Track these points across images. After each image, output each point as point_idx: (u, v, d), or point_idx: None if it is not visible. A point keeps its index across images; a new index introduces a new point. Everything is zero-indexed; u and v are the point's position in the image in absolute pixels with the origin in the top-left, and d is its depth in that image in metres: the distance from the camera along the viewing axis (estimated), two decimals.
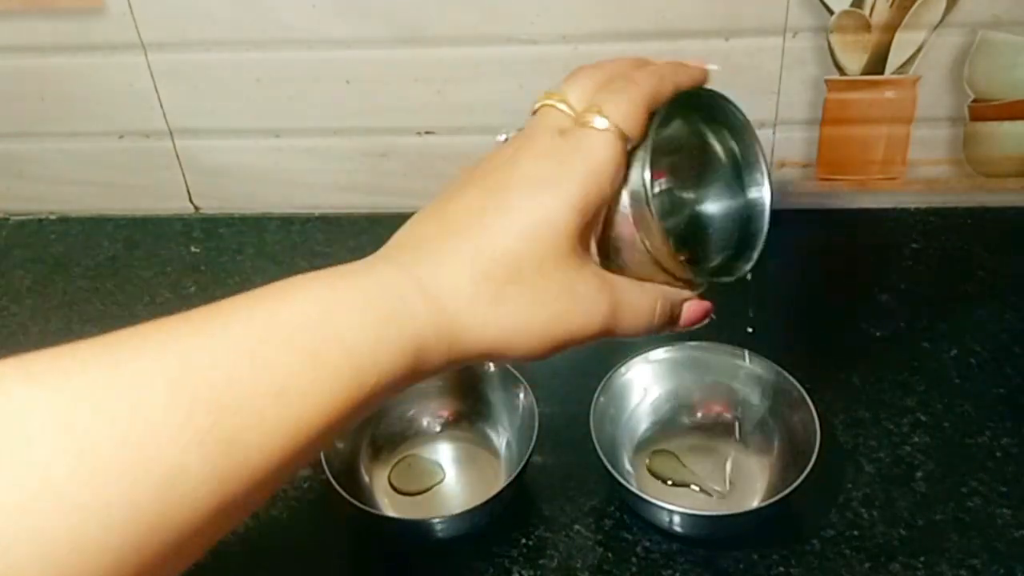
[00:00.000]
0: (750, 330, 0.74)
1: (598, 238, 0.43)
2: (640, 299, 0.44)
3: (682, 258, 0.44)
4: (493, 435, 0.69)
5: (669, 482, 0.65)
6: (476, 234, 0.40)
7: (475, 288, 0.39)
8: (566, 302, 0.41)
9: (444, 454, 0.69)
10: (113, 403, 0.30)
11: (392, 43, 0.81)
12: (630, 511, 0.65)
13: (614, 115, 0.42)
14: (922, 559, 0.60)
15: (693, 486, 0.66)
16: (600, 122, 0.42)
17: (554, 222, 0.40)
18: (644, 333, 0.45)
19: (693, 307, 0.47)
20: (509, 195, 0.41)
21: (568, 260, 0.41)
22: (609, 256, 0.44)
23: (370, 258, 0.41)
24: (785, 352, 0.74)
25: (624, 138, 0.42)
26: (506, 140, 0.45)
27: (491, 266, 0.39)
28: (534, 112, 0.45)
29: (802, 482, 0.60)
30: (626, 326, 0.43)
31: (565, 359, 0.79)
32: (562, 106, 0.44)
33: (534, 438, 0.63)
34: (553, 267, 0.40)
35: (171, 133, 0.88)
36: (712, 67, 0.47)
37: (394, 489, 0.67)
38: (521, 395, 0.67)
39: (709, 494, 0.65)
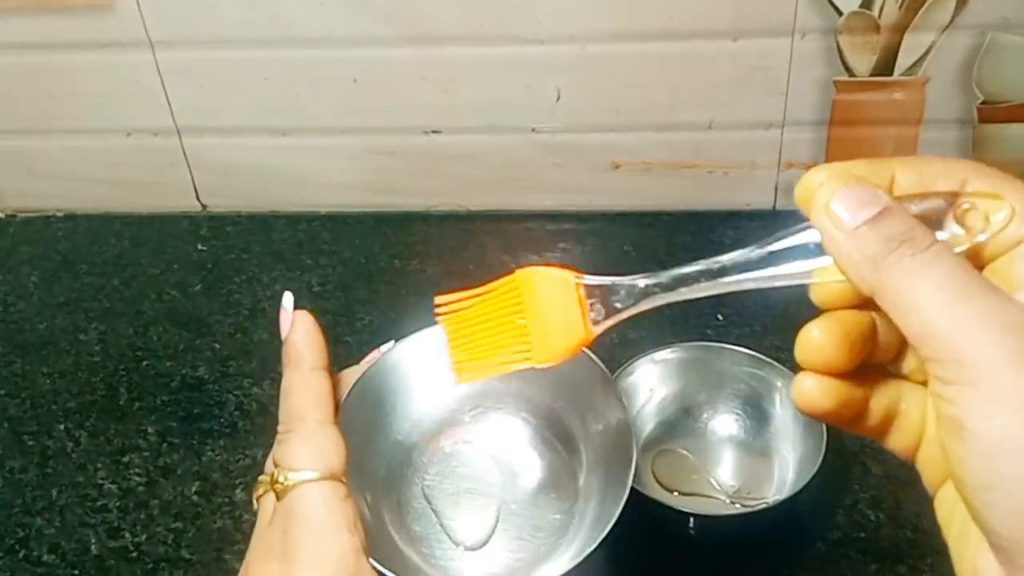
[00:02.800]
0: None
1: None
2: None
3: None
4: None
5: (676, 493, 0.65)
6: None
7: None
8: None
9: None
10: None
11: (399, 42, 0.81)
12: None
13: (295, 459, 0.38)
14: (929, 561, 0.60)
15: (699, 488, 0.65)
16: (292, 476, 0.38)
17: None
18: None
19: None
20: None
21: None
22: None
23: None
24: (792, 354, 0.73)
25: (328, 477, 0.38)
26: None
27: None
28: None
29: (808, 483, 0.59)
30: None
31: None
32: (263, 486, 0.40)
33: None
34: None
35: (178, 131, 0.88)
36: (288, 298, 0.43)
37: None
38: None
39: (715, 495, 0.65)
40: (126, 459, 0.72)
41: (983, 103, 0.81)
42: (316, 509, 0.37)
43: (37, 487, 0.70)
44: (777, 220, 0.87)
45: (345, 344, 0.78)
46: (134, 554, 0.65)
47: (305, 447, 0.39)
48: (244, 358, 0.78)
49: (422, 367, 0.48)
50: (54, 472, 0.71)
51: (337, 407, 0.42)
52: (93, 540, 0.66)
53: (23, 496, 0.70)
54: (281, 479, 0.38)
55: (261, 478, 0.40)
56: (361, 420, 0.45)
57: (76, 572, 0.65)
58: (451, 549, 0.46)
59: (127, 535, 0.67)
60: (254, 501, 0.40)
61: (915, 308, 0.29)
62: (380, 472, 0.46)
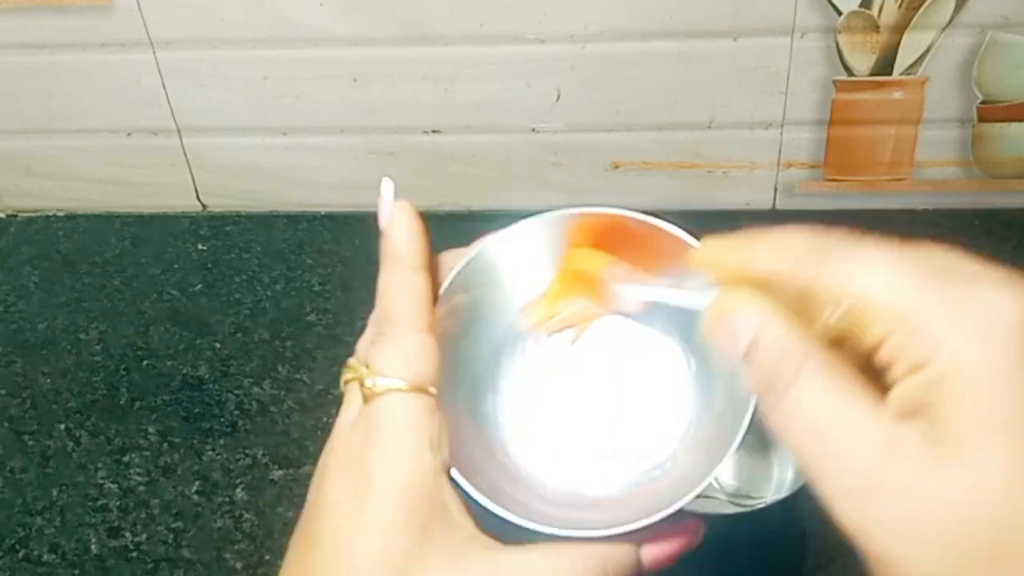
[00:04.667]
0: None
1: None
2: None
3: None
4: None
5: None
6: None
7: None
8: None
9: None
10: None
11: (399, 42, 0.81)
12: None
13: (386, 365, 0.37)
14: None
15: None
16: (380, 383, 0.36)
17: (381, 555, 0.34)
18: None
19: (656, 551, 0.40)
20: (320, 555, 0.35)
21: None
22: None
23: None
24: None
25: (416, 388, 0.36)
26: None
27: None
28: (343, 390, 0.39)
29: (808, 482, 0.59)
30: None
31: None
32: (352, 372, 0.38)
33: None
34: None
35: (179, 131, 0.88)
36: (387, 185, 0.42)
37: None
38: None
39: (714, 495, 0.65)
40: (126, 459, 0.72)
41: (983, 102, 0.81)
42: (399, 423, 0.36)
43: (37, 487, 0.70)
44: (777, 220, 0.88)
45: (345, 344, 0.78)
46: (134, 554, 0.66)
47: (396, 353, 0.37)
48: (244, 358, 0.79)
49: (531, 258, 0.43)
50: (54, 472, 0.71)
51: (436, 296, 0.40)
52: (93, 540, 0.67)
53: (23, 496, 0.70)
54: (369, 383, 0.36)
55: (351, 362, 0.38)
56: (455, 319, 0.41)
57: (76, 572, 0.65)
58: (543, 462, 0.41)
59: (127, 535, 0.67)
60: (341, 385, 0.39)
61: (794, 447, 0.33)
62: (473, 373, 0.42)
